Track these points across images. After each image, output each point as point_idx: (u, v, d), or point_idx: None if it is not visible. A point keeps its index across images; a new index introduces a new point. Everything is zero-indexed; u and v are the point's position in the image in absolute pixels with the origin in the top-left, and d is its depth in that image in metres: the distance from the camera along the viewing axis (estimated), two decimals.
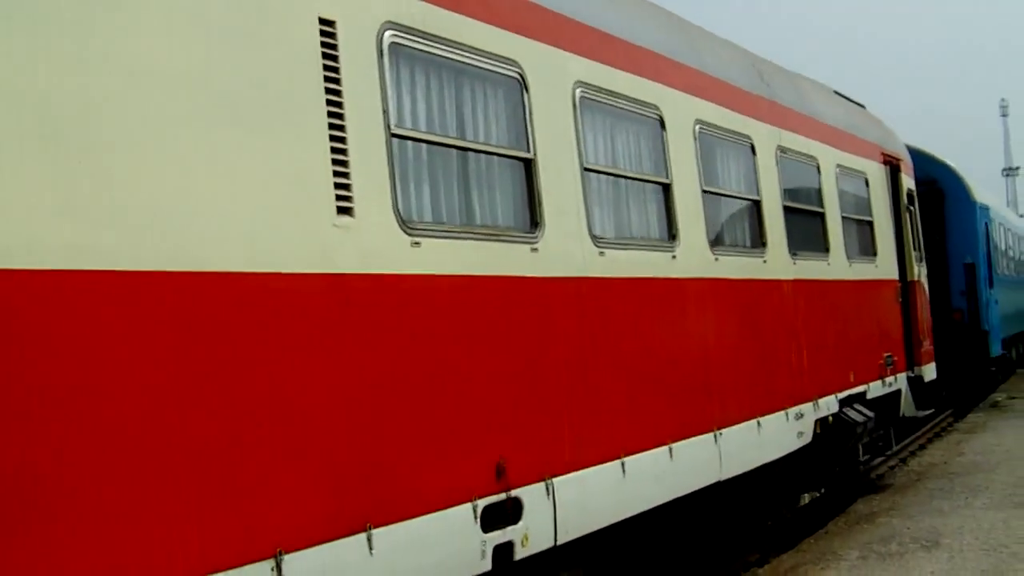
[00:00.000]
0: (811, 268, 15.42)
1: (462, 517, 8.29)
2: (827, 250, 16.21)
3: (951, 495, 17.80)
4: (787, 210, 14.81)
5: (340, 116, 7.57)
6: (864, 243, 18.23)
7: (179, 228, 6.34)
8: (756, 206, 14.02)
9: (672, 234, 11.72)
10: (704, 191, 12.49)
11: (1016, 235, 40.24)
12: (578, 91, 10.30)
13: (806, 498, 18.13)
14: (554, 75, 10.01)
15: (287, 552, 6.70)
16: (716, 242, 12.71)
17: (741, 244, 13.69)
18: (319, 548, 6.97)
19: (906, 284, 20.28)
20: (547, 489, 9.23)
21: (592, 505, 9.90)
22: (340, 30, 7.66)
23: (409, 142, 8.44)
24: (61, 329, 5.71)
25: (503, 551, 8.68)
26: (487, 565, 8.46)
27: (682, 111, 12.22)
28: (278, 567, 6.63)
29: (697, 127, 12.50)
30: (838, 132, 17.61)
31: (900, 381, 19.25)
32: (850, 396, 16.52)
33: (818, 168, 16.25)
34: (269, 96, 7.07)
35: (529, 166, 9.55)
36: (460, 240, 8.61)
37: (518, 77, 9.52)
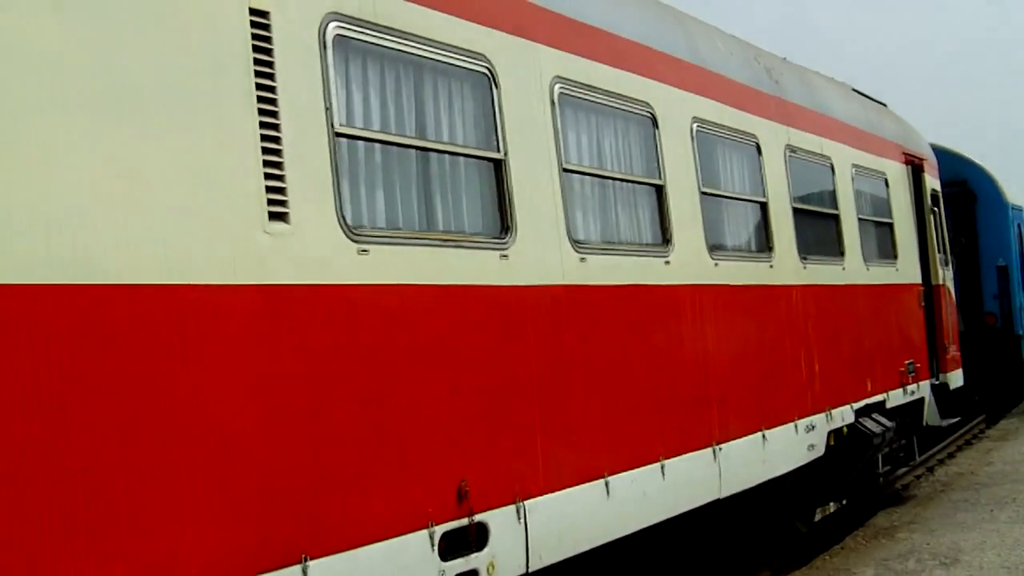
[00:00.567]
0: (823, 273, 14.73)
1: (417, 545, 7.69)
2: (842, 254, 15.50)
3: (976, 507, 17.09)
4: (797, 212, 14.12)
5: (273, 114, 6.98)
6: (883, 246, 17.50)
7: (68, 234, 5.73)
8: (762, 208, 13.35)
9: (666, 239, 11.07)
10: (703, 193, 11.83)
11: None
12: (557, 87, 9.68)
13: (827, 509, 17.48)
14: (528, 70, 9.39)
15: None
16: (716, 247, 12.04)
17: (745, 249, 13.02)
18: None
19: (930, 288, 19.50)
20: (518, 512, 8.61)
21: (571, 528, 9.28)
22: (275, 21, 7.07)
23: (360, 142, 7.86)
24: None
25: None
26: None
27: (677, 109, 11.56)
28: None
29: (695, 126, 11.85)
30: (854, 130, 16.89)
31: (923, 389, 18.48)
32: (868, 406, 15.80)
33: (832, 168, 15.54)
34: (188, 89, 6.47)
35: (499, 167, 8.93)
36: (416, 247, 8.00)
37: (487, 72, 8.91)
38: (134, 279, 6.06)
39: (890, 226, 17.81)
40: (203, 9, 6.65)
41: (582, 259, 9.68)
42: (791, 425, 13.27)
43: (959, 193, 27.29)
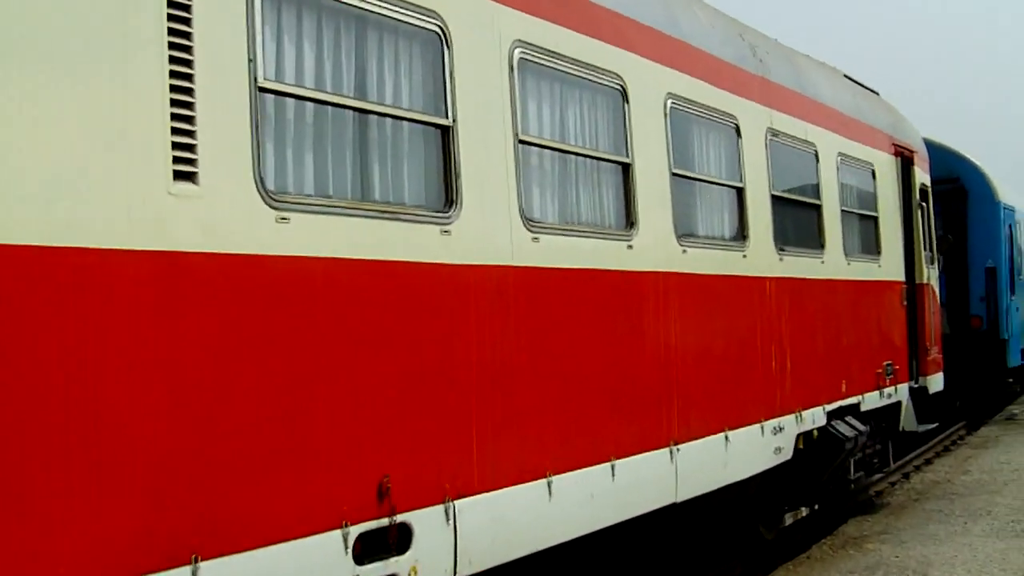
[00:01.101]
0: (801, 266, 13.98)
1: (328, 546, 6.98)
2: (822, 247, 14.74)
3: (949, 519, 16.44)
4: (776, 201, 13.38)
5: (186, 63, 6.27)
6: (867, 241, 16.73)
7: None
8: (739, 194, 12.60)
9: (630, 221, 10.32)
10: (674, 174, 11.07)
11: None
12: (516, 52, 8.93)
13: (799, 513, 16.80)
14: (485, 31, 8.64)
15: None
16: (686, 233, 11.28)
17: (718, 236, 12.27)
18: None
19: (913, 287, 18.74)
20: (447, 513, 7.90)
21: (508, 531, 8.57)
22: None
23: (289, 100, 7.12)
24: None
25: None
26: None
27: (650, 82, 10.80)
28: None
29: (669, 102, 11.09)
30: (842, 117, 16.12)
31: (901, 392, 17.71)
32: (841, 408, 15.05)
33: (816, 155, 14.78)
34: (83, 29, 5.74)
35: (447, 135, 8.18)
36: (345, 217, 7.26)
37: (438, 31, 8.16)
38: (5, 239, 5.32)
39: (875, 220, 17.03)
40: None
41: (535, 239, 8.95)
42: (757, 426, 12.55)
43: (951, 190, 26.58)
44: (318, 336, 6.96)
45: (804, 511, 15.87)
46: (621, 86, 10.31)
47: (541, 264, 9.03)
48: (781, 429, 13.13)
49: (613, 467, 9.77)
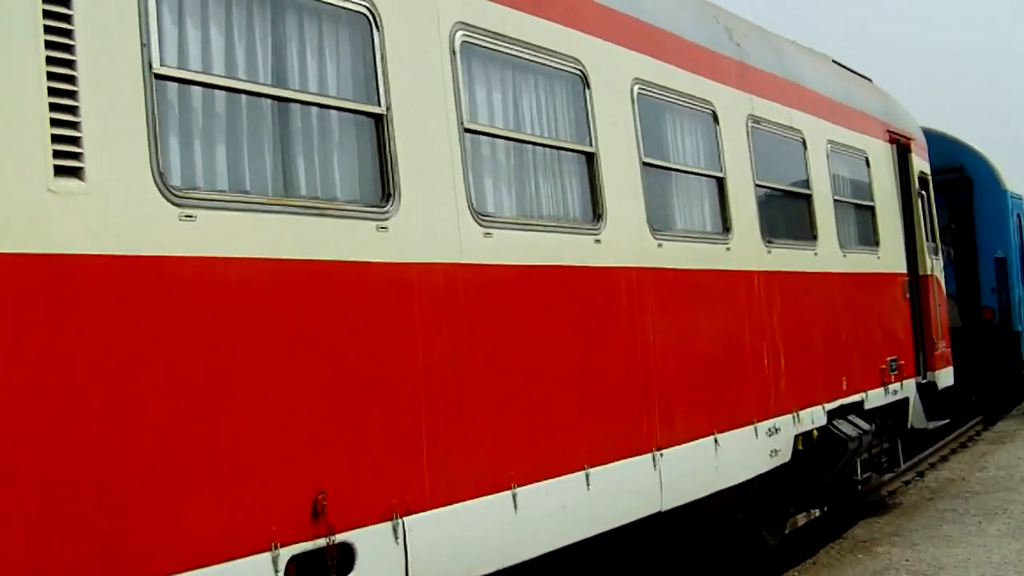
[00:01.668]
0: (792, 258, 13.33)
1: (255, 570, 6.37)
2: (814, 238, 14.09)
3: (964, 518, 15.75)
4: (761, 190, 12.74)
5: (67, 48, 5.71)
6: (864, 231, 16.05)
7: None
8: (719, 184, 11.96)
9: (597, 214, 9.71)
10: (644, 164, 10.45)
11: None
12: (459, 34, 8.34)
13: (812, 514, 16.16)
14: (421, 13, 8.06)
15: None
16: (661, 226, 10.65)
17: (698, 229, 11.63)
18: None
19: (916, 279, 18.04)
20: (395, 531, 7.28)
21: (468, 548, 7.98)
22: None
23: (195, 88, 6.56)
24: None
25: None
26: None
27: (614, 67, 10.20)
28: None
29: (636, 87, 10.47)
30: (831, 103, 15.45)
31: (908, 388, 17.01)
32: (843, 407, 14.38)
33: (804, 143, 14.13)
34: None
35: (381, 124, 7.59)
36: (263, 214, 6.67)
37: (367, 12, 7.58)
38: None
39: (871, 210, 16.36)
40: None
41: (487, 234, 8.34)
42: (750, 428, 11.90)
43: (956, 180, 25.90)
44: (234, 343, 6.37)
45: (809, 515, 15.24)
46: (581, 71, 9.71)
47: (495, 261, 8.43)
48: (777, 430, 12.48)
49: (588, 476, 9.15)
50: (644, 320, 10.16)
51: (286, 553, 6.53)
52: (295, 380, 6.72)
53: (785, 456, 12.67)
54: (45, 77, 5.57)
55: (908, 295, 17.44)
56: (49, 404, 5.44)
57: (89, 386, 5.62)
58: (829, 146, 14.88)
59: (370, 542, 7.09)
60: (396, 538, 7.27)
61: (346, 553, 6.95)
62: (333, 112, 7.44)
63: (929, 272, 18.59)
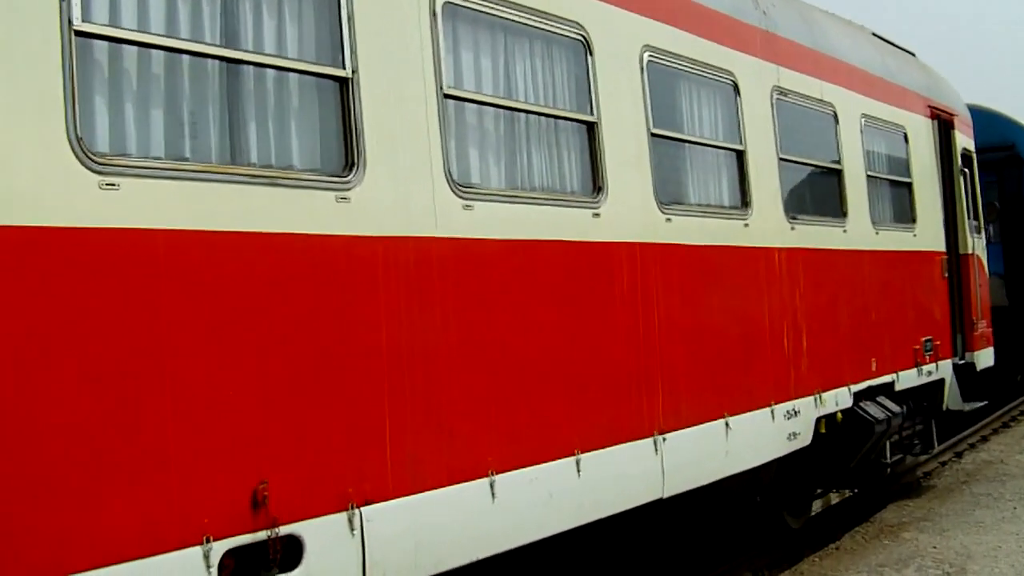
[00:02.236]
0: (818, 235, 12.76)
1: (184, 567, 5.93)
2: (844, 215, 13.50)
3: (998, 503, 15.17)
4: (785, 165, 12.16)
5: None
6: (900, 209, 15.42)
7: None
8: (739, 157, 11.40)
9: (597, 187, 9.20)
10: (653, 134, 9.92)
11: None
12: None
13: (843, 494, 15.65)
14: None
15: None
16: (670, 200, 10.13)
17: (714, 203, 11.09)
18: None
19: (956, 257, 17.38)
20: (350, 522, 6.83)
21: (437, 539, 7.52)
22: None
23: (127, 47, 6.12)
24: None
25: None
26: None
27: (620, 33, 9.66)
28: None
29: (646, 55, 9.93)
30: (866, 76, 14.81)
31: (943, 369, 16.37)
32: (871, 388, 13.81)
33: (835, 116, 13.53)
34: None
35: (345, 87, 7.11)
36: (201, 183, 6.21)
37: None
38: None
39: (909, 187, 15.73)
40: None
41: (467, 206, 7.86)
42: (766, 411, 11.36)
43: (1006, 158, 25.10)
44: (159, 321, 5.92)
45: (835, 497, 14.69)
46: (583, 37, 9.19)
47: (475, 235, 7.95)
48: (796, 413, 11.93)
49: (578, 462, 8.68)
50: (649, 298, 9.66)
51: (220, 547, 6.10)
52: (232, 363, 6.26)
53: (805, 439, 12.13)
54: None
55: (946, 274, 16.78)
56: None
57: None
58: (863, 120, 14.26)
59: (320, 534, 6.65)
60: (352, 530, 6.83)
61: (293, 546, 6.52)
62: (291, 75, 6.97)
63: (970, 251, 17.92)
